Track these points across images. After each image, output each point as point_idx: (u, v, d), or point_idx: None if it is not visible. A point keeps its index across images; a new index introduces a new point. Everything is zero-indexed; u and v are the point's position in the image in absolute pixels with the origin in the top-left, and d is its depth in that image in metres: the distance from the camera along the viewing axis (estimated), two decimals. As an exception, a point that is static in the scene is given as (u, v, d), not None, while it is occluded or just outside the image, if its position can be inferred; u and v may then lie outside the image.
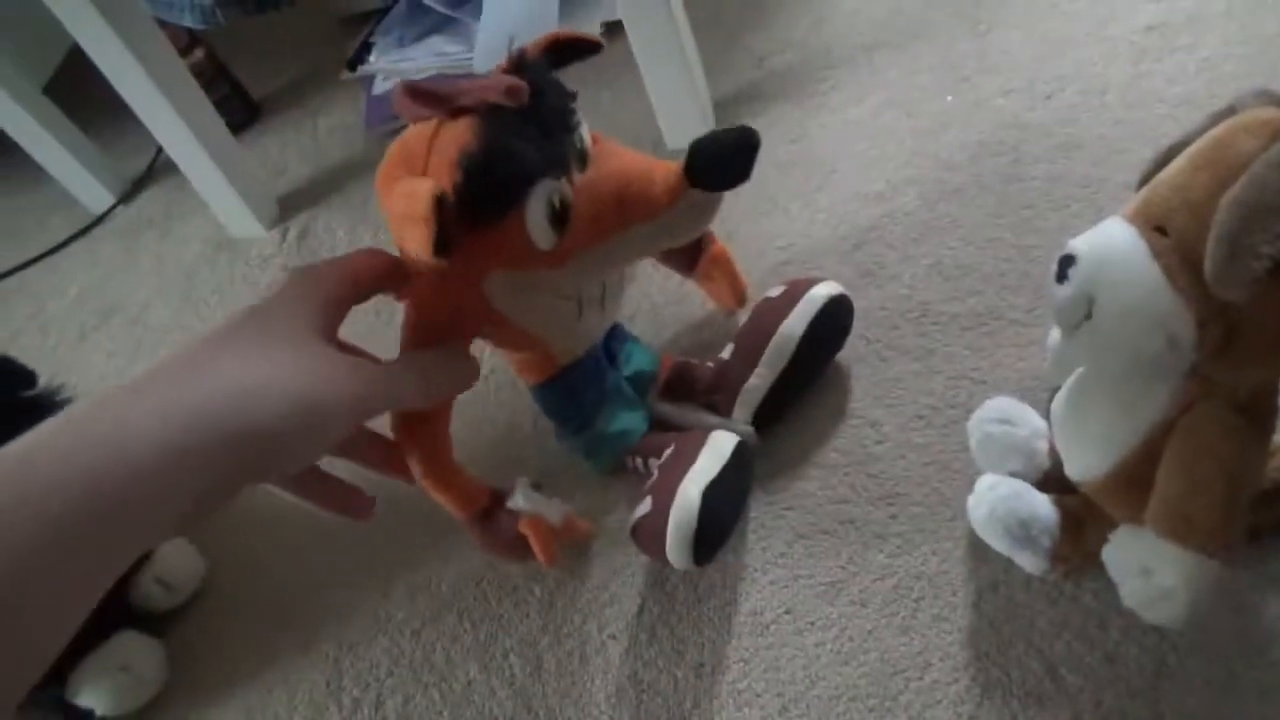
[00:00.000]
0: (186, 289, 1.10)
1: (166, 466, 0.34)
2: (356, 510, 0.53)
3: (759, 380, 0.66)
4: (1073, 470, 0.52)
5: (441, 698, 0.65)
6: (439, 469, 0.58)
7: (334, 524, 0.77)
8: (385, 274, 0.48)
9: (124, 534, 0.34)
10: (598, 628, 0.64)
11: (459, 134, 0.48)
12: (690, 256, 0.72)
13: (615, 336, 0.69)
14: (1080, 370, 0.52)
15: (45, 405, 0.70)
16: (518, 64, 0.50)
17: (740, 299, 0.76)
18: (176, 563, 0.76)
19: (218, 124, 1.08)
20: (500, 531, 0.62)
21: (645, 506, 0.60)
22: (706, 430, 0.64)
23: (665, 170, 0.51)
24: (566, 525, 0.63)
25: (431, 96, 0.49)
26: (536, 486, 0.63)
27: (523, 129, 0.47)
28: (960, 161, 0.81)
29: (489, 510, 0.62)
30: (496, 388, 0.81)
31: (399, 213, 0.47)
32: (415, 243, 0.45)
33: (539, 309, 0.55)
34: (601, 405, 0.66)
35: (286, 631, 0.73)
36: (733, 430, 0.64)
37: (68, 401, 0.71)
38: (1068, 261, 0.47)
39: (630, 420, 0.67)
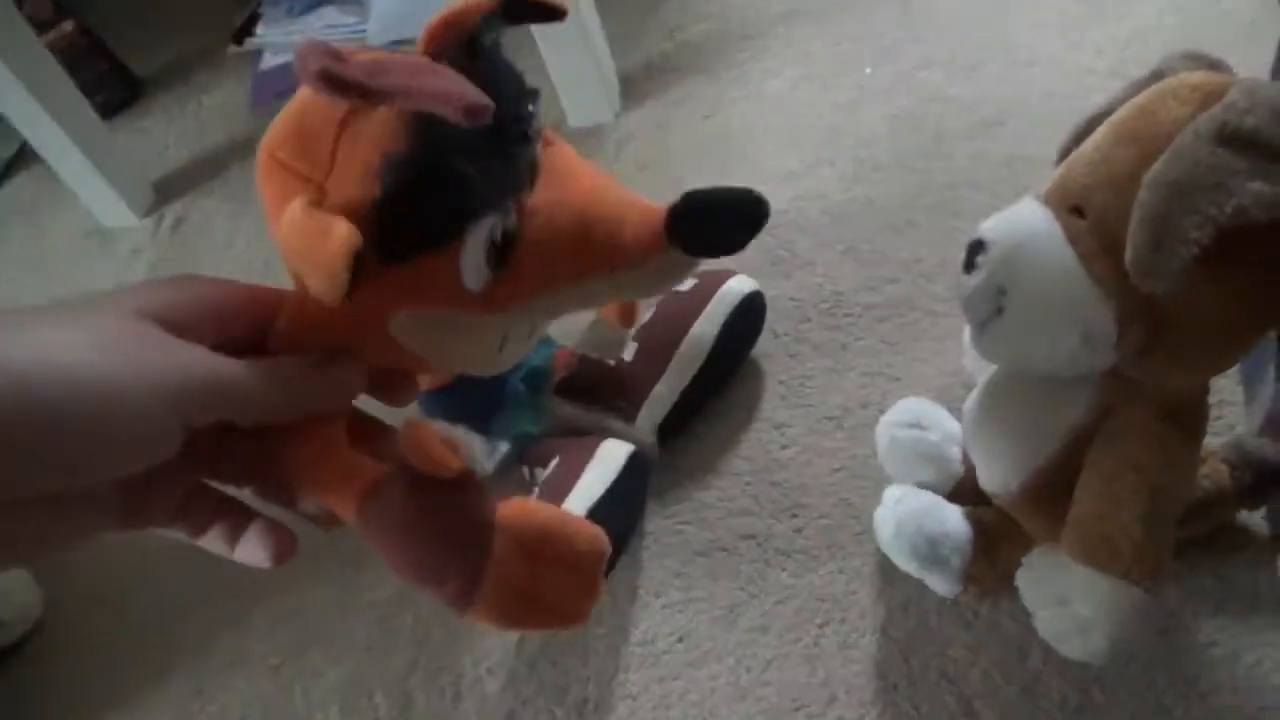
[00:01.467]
0: (55, 283, 1.00)
1: None
2: (272, 549, 0.37)
3: (666, 388, 0.60)
4: (985, 481, 0.47)
5: (299, 744, 0.58)
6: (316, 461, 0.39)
7: (187, 547, 0.70)
8: (265, 300, 0.36)
9: None
10: (473, 661, 0.57)
11: (379, 131, 0.35)
12: None
13: None
14: (993, 369, 0.47)
15: None
16: (470, 46, 0.37)
17: (630, 319, 0.67)
18: (9, 594, 0.67)
19: (83, 107, 0.98)
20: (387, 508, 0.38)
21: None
22: (599, 438, 0.57)
23: (641, 216, 0.38)
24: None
25: (359, 88, 0.33)
26: None
27: (469, 139, 0.34)
28: (879, 138, 0.75)
29: (378, 489, 0.39)
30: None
31: (298, 249, 0.34)
32: (317, 290, 0.33)
33: (454, 347, 0.41)
34: (497, 411, 0.59)
35: (134, 670, 0.65)
36: (634, 440, 0.58)
37: None
38: (977, 247, 0.41)
39: (522, 424, 0.60)
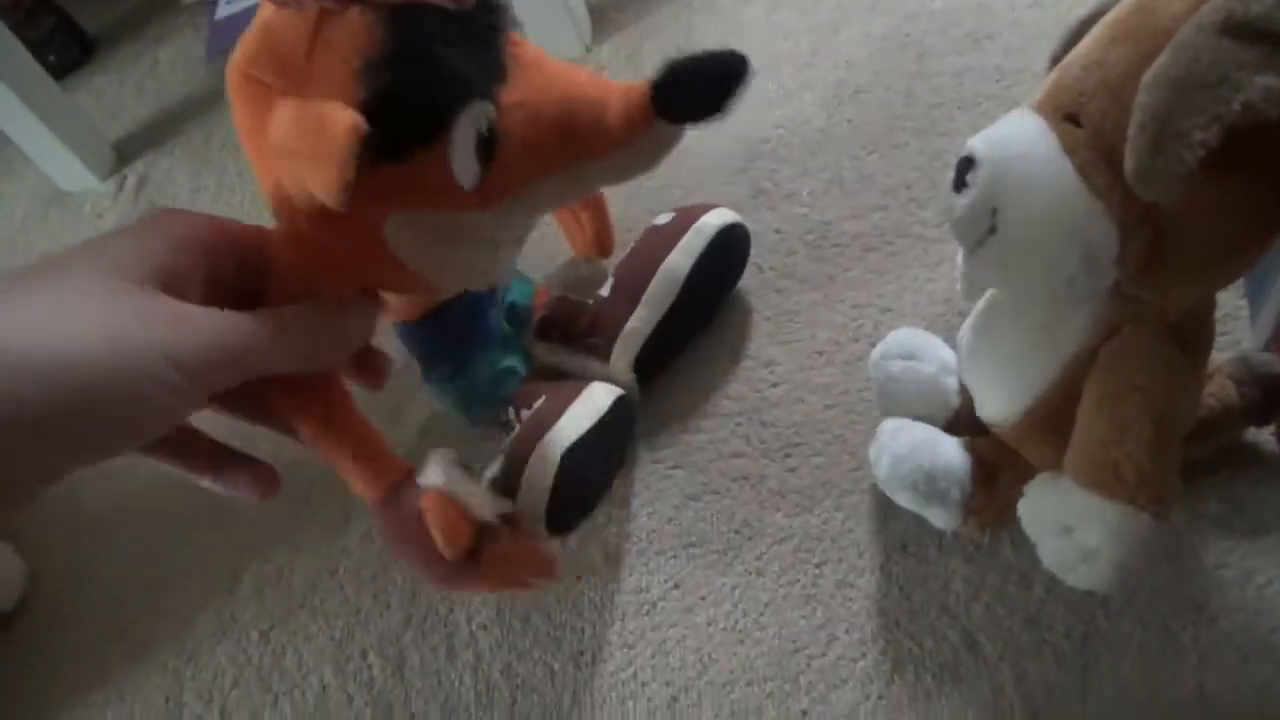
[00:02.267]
0: (13, 255, 0.97)
1: None
2: (258, 486, 0.38)
3: (639, 323, 0.57)
4: (983, 410, 0.45)
5: (293, 708, 0.56)
6: (337, 433, 0.41)
7: (171, 514, 0.68)
8: (247, 237, 0.36)
9: None
10: (466, 617, 0.56)
11: (355, 30, 0.34)
12: None
13: None
14: (989, 294, 0.45)
15: None
16: None
17: (603, 248, 0.65)
18: (-10, 570, 0.66)
19: (34, 68, 0.94)
20: (404, 518, 0.43)
21: (495, 467, 0.51)
22: (585, 380, 0.55)
23: (623, 96, 0.39)
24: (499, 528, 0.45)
25: None
26: (465, 467, 0.45)
27: (444, 29, 0.35)
28: (860, 59, 0.72)
29: (400, 495, 0.43)
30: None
31: (296, 146, 0.33)
32: (319, 187, 0.33)
33: (447, 254, 0.41)
34: (478, 349, 0.56)
35: (120, 642, 0.64)
36: (612, 379, 0.56)
37: None
38: (966, 165, 0.39)
39: (510, 363, 0.58)
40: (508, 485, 0.49)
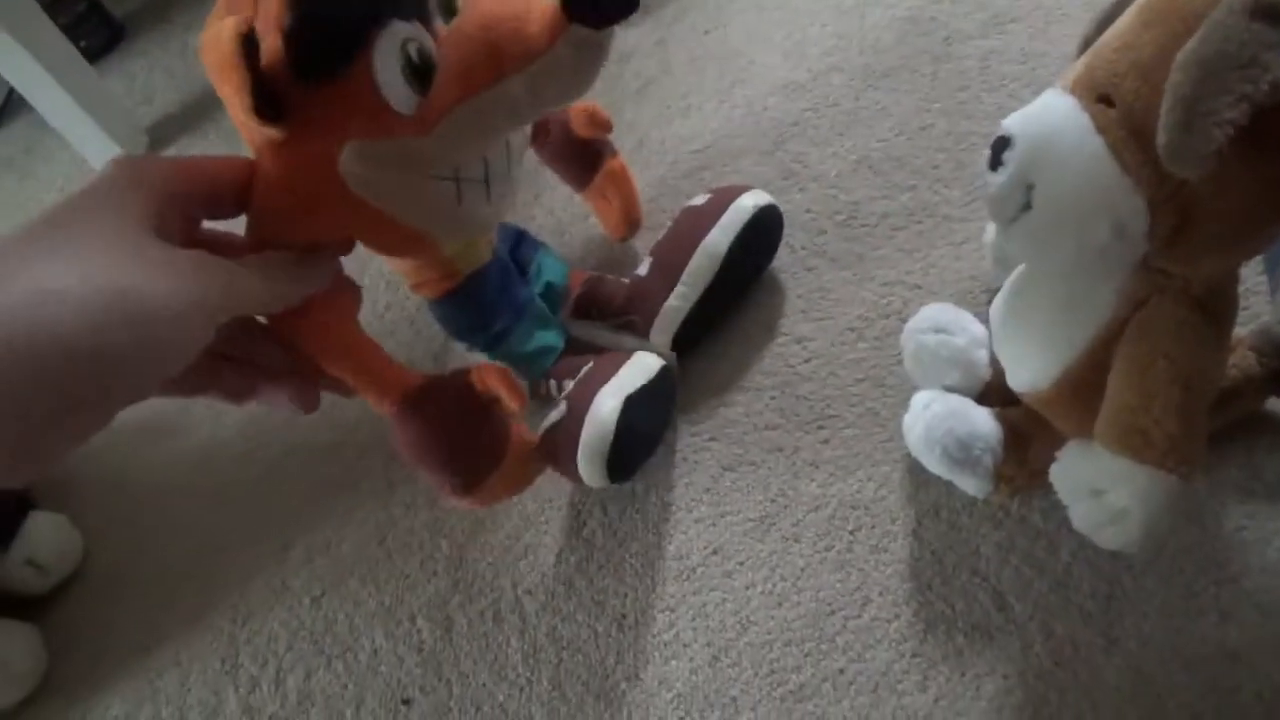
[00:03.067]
0: (55, 235, 0.99)
1: None
2: (299, 399, 0.43)
3: (679, 300, 0.59)
4: (1015, 381, 0.47)
5: (346, 669, 0.59)
6: (340, 355, 0.45)
7: (223, 485, 0.71)
8: (244, 177, 0.40)
9: None
10: (511, 583, 0.58)
11: None
12: (586, 166, 0.64)
13: (524, 245, 0.61)
14: (1020, 268, 0.46)
15: None
16: None
17: (632, 227, 0.68)
18: (49, 541, 0.69)
19: (69, 51, 0.96)
20: (422, 424, 0.46)
21: (558, 413, 0.53)
22: (628, 351, 0.57)
23: (542, 6, 0.40)
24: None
25: None
26: None
27: None
28: (888, 43, 0.73)
29: (423, 398, 0.47)
30: (393, 326, 0.74)
31: (210, 64, 0.37)
32: (230, 98, 0.37)
33: (407, 190, 0.43)
34: (513, 321, 0.58)
35: (176, 607, 0.66)
36: (653, 353, 0.58)
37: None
38: (1002, 144, 0.41)
39: (547, 339, 0.60)
40: (570, 429, 0.52)
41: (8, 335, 0.28)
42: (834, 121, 0.70)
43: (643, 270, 0.61)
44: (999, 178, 0.40)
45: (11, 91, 1.16)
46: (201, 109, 1.03)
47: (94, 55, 1.14)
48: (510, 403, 0.46)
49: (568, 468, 0.53)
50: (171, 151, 1.00)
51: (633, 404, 0.52)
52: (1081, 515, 0.42)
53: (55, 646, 0.67)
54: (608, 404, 0.52)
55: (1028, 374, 0.46)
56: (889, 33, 0.74)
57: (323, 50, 0.38)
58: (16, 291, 0.29)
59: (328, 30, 0.37)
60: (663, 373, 0.56)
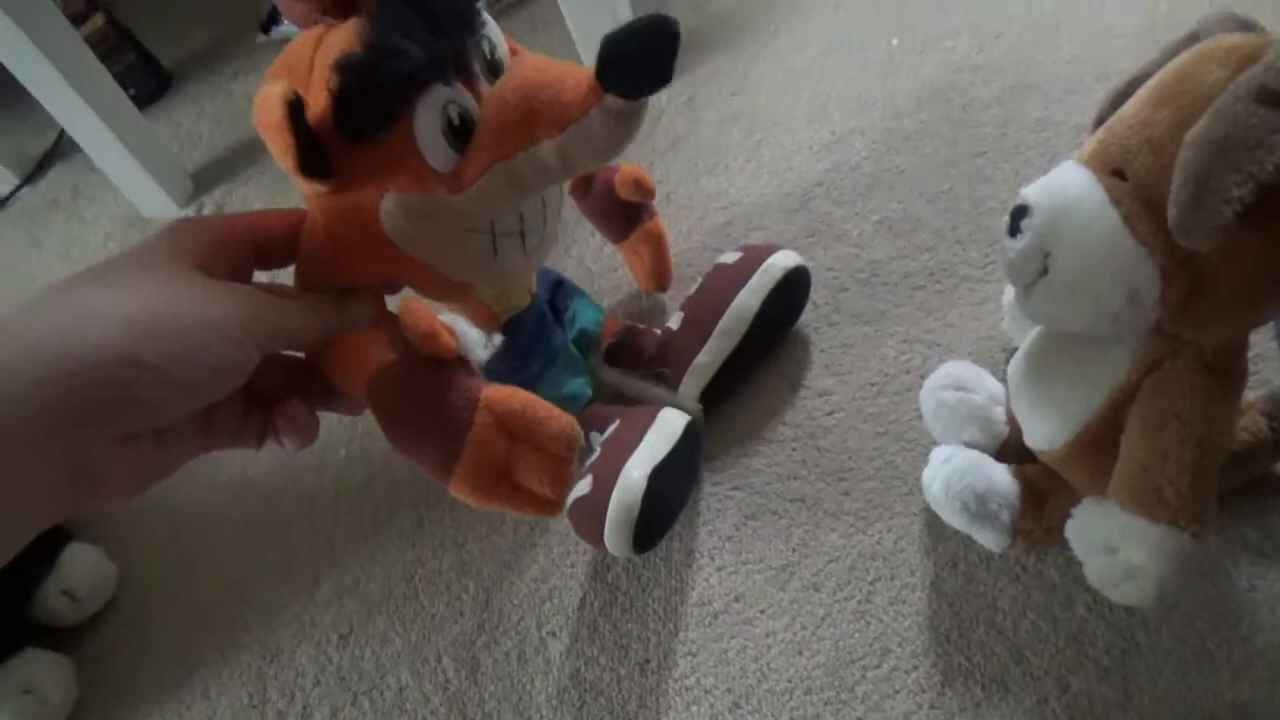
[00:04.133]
0: (97, 274, 1.03)
1: (15, 402, 0.29)
2: (297, 430, 0.42)
3: (710, 356, 0.61)
4: (1031, 439, 0.49)
5: (371, 707, 0.60)
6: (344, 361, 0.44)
7: (254, 521, 0.73)
8: (290, 229, 0.42)
9: None
10: (536, 624, 0.60)
11: (343, 36, 0.40)
12: (624, 223, 0.67)
13: (562, 292, 0.63)
14: (1037, 330, 0.48)
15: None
16: None
17: (663, 286, 0.70)
18: (83, 571, 0.70)
19: (120, 97, 1.00)
20: (397, 391, 0.43)
21: (585, 486, 0.55)
22: (655, 406, 0.59)
23: (578, 75, 0.41)
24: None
25: None
26: None
27: (411, 26, 0.40)
28: (909, 108, 0.76)
29: (383, 373, 0.43)
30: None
31: (260, 123, 0.40)
32: (279, 156, 0.39)
33: (444, 243, 0.45)
34: (546, 367, 0.61)
35: (206, 641, 0.68)
36: (680, 407, 0.60)
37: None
38: (1021, 212, 0.43)
39: (576, 385, 0.62)
40: (596, 502, 0.53)
41: (40, 343, 0.31)
42: (856, 183, 0.73)
43: (674, 323, 0.64)
44: (1018, 244, 0.42)
45: (61, 134, 1.20)
46: (245, 155, 1.06)
47: (143, 102, 1.18)
48: (445, 340, 0.42)
49: (593, 540, 0.55)
50: (216, 195, 1.03)
51: (659, 475, 0.54)
52: (1096, 571, 0.43)
53: (86, 677, 0.68)
54: (633, 477, 0.54)
55: (1044, 432, 0.47)
56: (910, 98, 0.76)
57: (366, 113, 0.40)
58: (55, 315, 0.32)
59: (372, 95, 0.39)
60: (688, 432, 0.58)
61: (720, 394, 0.63)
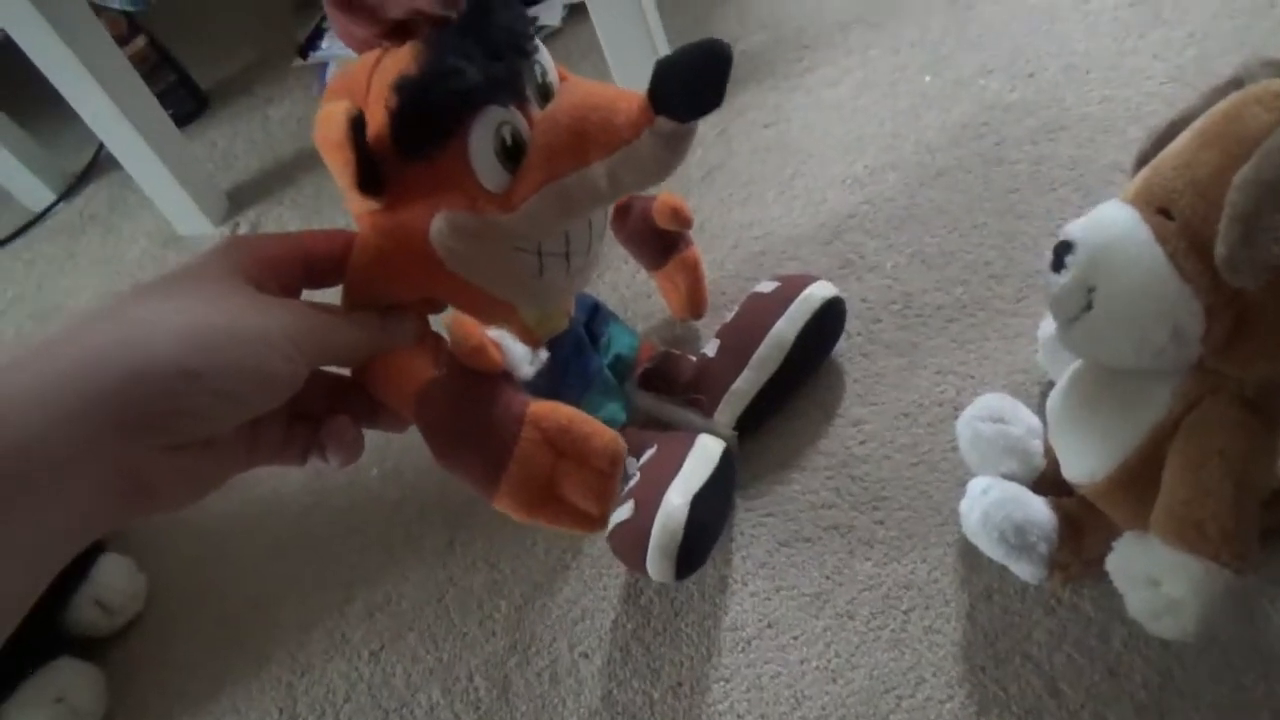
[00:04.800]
0: (130, 285, 1.04)
1: (55, 418, 0.30)
2: (343, 447, 0.43)
3: (746, 384, 0.62)
4: (1071, 472, 0.49)
5: (402, 724, 0.60)
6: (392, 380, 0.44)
7: (286, 536, 0.73)
8: (339, 248, 0.43)
9: (49, 490, 0.30)
10: (569, 645, 0.60)
11: (400, 59, 0.42)
12: (660, 251, 0.68)
13: (598, 317, 0.64)
14: (1077, 364, 0.49)
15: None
16: None
17: (697, 314, 0.71)
18: (116, 582, 0.71)
19: (161, 116, 1.02)
20: (446, 407, 0.43)
21: (625, 511, 0.56)
22: (691, 432, 0.60)
23: (630, 98, 0.42)
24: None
25: (360, 7, 0.43)
26: None
27: (468, 50, 0.41)
28: (941, 144, 0.77)
29: (429, 388, 0.43)
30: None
31: (321, 140, 0.41)
32: (338, 172, 0.40)
33: (491, 262, 0.46)
34: (582, 390, 0.61)
35: (236, 655, 0.68)
36: (715, 433, 0.61)
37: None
38: (1065, 248, 0.44)
39: (611, 410, 0.63)
40: (639, 527, 0.54)
41: (100, 352, 0.31)
42: (890, 216, 0.74)
43: (710, 351, 0.64)
44: (1061, 279, 0.43)
45: (98, 152, 1.23)
46: (278, 176, 1.08)
47: (180, 123, 1.19)
48: (491, 354, 0.42)
49: (635, 566, 0.55)
50: (250, 214, 1.05)
51: (700, 500, 0.55)
52: (1138, 604, 0.43)
53: (116, 688, 0.69)
54: (675, 503, 0.54)
55: (1084, 466, 0.48)
56: (943, 135, 0.78)
57: (424, 131, 0.41)
58: (111, 327, 0.33)
59: (429, 113, 0.40)
60: (724, 459, 0.58)
61: (755, 422, 0.63)
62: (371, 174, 0.40)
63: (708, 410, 0.63)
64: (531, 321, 0.57)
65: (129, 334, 0.32)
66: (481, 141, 0.42)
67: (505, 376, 0.43)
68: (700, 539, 0.55)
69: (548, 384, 0.60)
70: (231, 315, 0.35)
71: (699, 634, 0.58)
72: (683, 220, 0.65)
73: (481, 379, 0.43)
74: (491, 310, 0.51)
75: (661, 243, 0.67)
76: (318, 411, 0.42)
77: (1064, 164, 0.72)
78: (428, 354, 0.45)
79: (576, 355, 0.61)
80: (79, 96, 0.96)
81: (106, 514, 0.32)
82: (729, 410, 0.62)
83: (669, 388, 0.64)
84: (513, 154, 0.43)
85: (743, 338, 0.63)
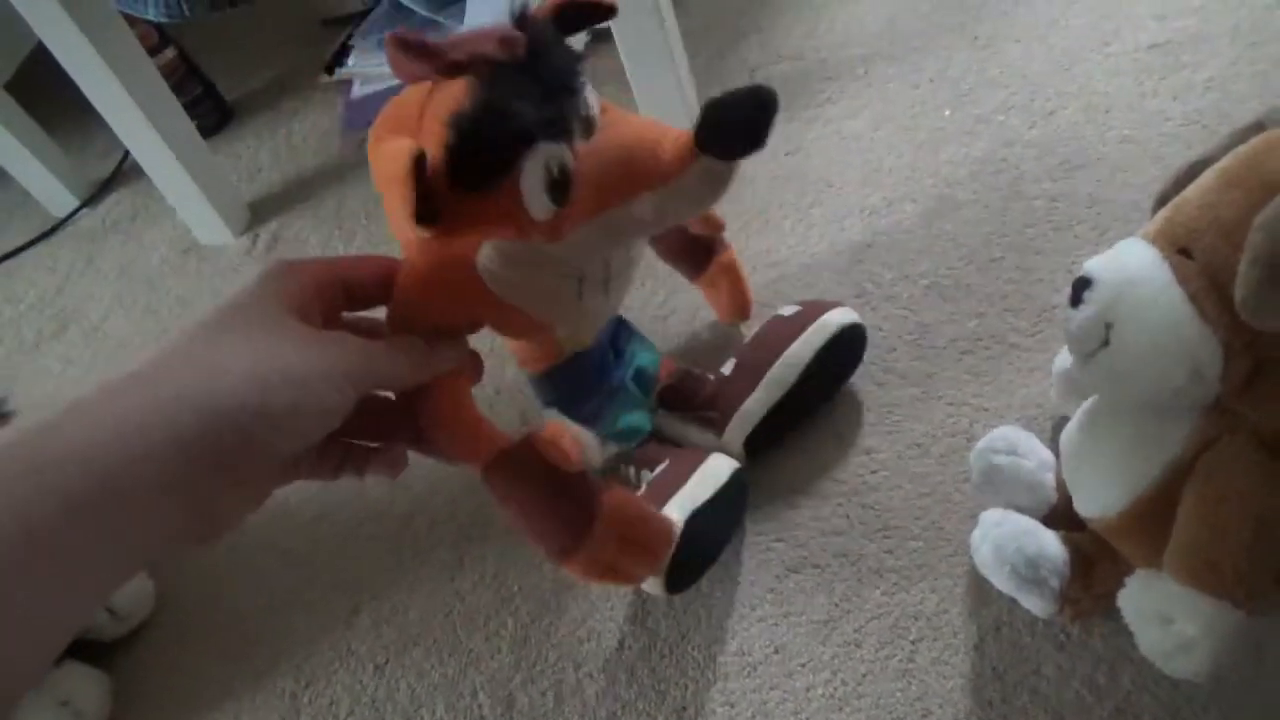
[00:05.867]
0: (149, 297, 1.05)
1: (136, 455, 0.31)
2: (387, 467, 0.47)
3: (757, 404, 0.63)
4: (1084, 507, 0.49)
5: (405, 739, 0.60)
6: (449, 417, 0.48)
7: (295, 545, 0.74)
8: (379, 273, 0.45)
9: (129, 523, 0.31)
10: (574, 665, 0.60)
11: (453, 94, 0.43)
12: (699, 259, 0.69)
13: (623, 333, 0.65)
14: (1093, 399, 0.49)
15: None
16: (519, 21, 0.45)
17: (742, 314, 0.72)
18: (128, 588, 0.71)
19: (187, 126, 1.03)
20: (515, 478, 0.50)
21: None
22: (703, 451, 0.60)
23: (675, 136, 0.44)
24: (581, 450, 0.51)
25: (422, 49, 0.44)
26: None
27: (521, 88, 0.42)
28: (960, 178, 0.78)
29: (507, 458, 0.50)
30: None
31: (381, 174, 0.43)
32: (397, 207, 0.41)
33: (535, 287, 0.48)
34: (606, 402, 0.62)
35: (242, 664, 0.68)
36: (725, 452, 0.61)
37: (11, 414, 0.67)
38: (1084, 284, 0.44)
39: (636, 420, 0.63)
40: None
41: (174, 397, 0.33)
42: (906, 247, 0.74)
43: (726, 369, 0.65)
44: (1080, 315, 0.44)
45: (122, 160, 1.24)
46: (300, 189, 1.09)
47: (205, 134, 1.20)
48: (570, 456, 0.49)
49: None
50: (271, 226, 1.06)
51: (697, 518, 0.56)
52: (1150, 642, 0.43)
53: (120, 695, 0.69)
54: (672, 518, 0.55)
55: (1097, 502, 0.48)
56: (962, 169, 0.78)
57: (481, 167, 0.42)
58: (191, 368, 0.35)
59: (486, 150, 0.42)
60: (733, 479, 0.59)
61: (765, 442, 0.63)
62: (428, 207, 0.41)
63: (719, 428, 0.63)
64: (562, 337, 0.58)
65: (201, 380, 0.34)
66: (532, 176, 0.43)
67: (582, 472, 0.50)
68: (695, 556, 0.56)
69: (575, 392, 0.60)
70: (290, 353, 0.37)
71: (705, 658, 0.58)
72: (714, 225, 0.66)
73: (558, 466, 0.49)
74: (529, 330, 0.54)
75: (699, 250, 0.68)
76: (351, 430, 0.43)
77: (1082, 201, 0.72)
78: (470, 375, 0.49)
79: (602, 369, 0.61)
80: (108, 104, 0.97)
81: (170, 546, 0.34)
82: (739, 429, 0.62)
83: (686, 405, 0.65)
84: (560, 186, 0.44)
85: (758, 358, 0.63)
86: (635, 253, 0.52)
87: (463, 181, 0.42)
